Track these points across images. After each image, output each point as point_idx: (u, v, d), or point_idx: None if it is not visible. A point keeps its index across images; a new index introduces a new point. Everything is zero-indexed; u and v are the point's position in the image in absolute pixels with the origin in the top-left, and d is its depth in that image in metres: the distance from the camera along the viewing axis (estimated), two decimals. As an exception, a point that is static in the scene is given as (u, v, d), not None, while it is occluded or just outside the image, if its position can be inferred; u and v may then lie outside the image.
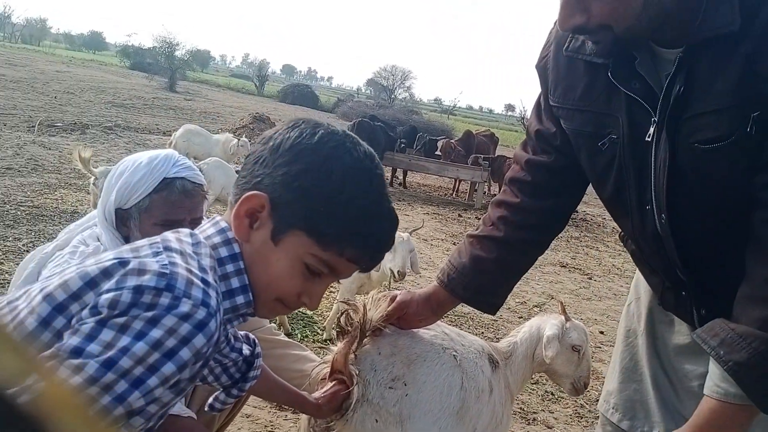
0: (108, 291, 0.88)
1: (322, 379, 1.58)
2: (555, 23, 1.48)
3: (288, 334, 3.91)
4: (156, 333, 0.86)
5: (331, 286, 5.02)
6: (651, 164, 1.26)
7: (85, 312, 0.88)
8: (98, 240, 1.76)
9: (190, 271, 0.93)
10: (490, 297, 1.65)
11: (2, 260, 4.28)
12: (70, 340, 0.85)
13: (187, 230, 1.08)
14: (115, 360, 0.83)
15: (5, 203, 5.67)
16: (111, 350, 0.83)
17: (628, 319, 1.72)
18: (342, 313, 1.59)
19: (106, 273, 0.91)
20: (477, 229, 1.66)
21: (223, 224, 1.08)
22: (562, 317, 2.05)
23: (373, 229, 1.08)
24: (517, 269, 1.67)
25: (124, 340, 0.84)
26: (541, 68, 1.50)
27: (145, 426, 0.96)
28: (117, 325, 0.85)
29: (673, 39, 1.21)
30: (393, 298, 1.62)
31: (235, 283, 1.05)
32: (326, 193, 1.03)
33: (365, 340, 1.57)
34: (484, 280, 1.61)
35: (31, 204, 5.83)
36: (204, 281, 0.94)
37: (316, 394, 1.53)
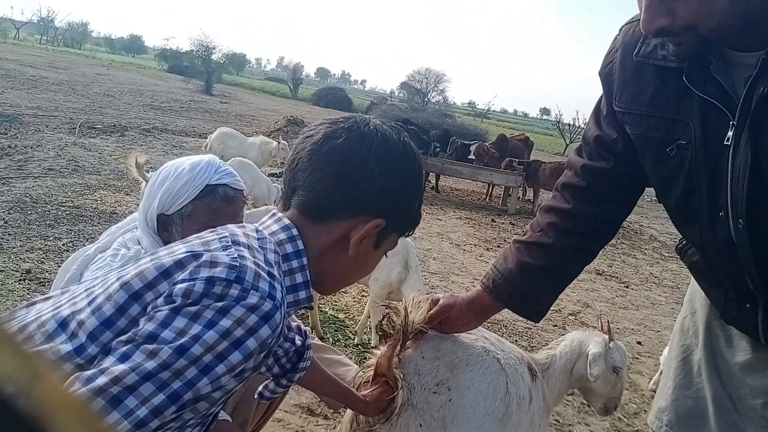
0: (182, 281, 0.94)
1: (365, 382, 1.58)
2: (620, 29, 1.45)
3: (320, 338, 3.91)
4: (225, 322, 0.91)
5: (363, 292, 5.01)
6: (728, 169, 1.22)
7: (160, 300, 0.93)
8: (139, 243, 1.77)
9: (258, 265, 0.99)
10: (535, 304, 1.62)
11: (43, 259, 4.37)
12: (146, 326, 0.90)
13: (252, 225, 1.14)
14: (187, 347, 0.88)
15: (47, 203, 5.80)
16: (183, 337, 0.89)
17: (683, 334, 1.66)
18: (384, 317, 1.59)
19: (179, 264, 0.97)
20: (524, 235, 1.64)
21: (286, 221, 1.14)
22: (606, 335, 2.01)
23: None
24: (564, 277, 1.63)
25: (196, 328, 0.90)
26: (606, 74, 1.47)
27: (207, 410, 1.01)
28: (189, 314, 0.91)
29: (755, 40, 1.16)
30: (435, 301, 1.60)
31: (299, 278, 1.12)
32: (418, 201, 1.22)
33: (408, 343, 1.56)
34: (531, 286, 1.58)
35: (71, 204, 5.95)
36: (270, 274, 0.99)
37: (364, 392, 1.54)
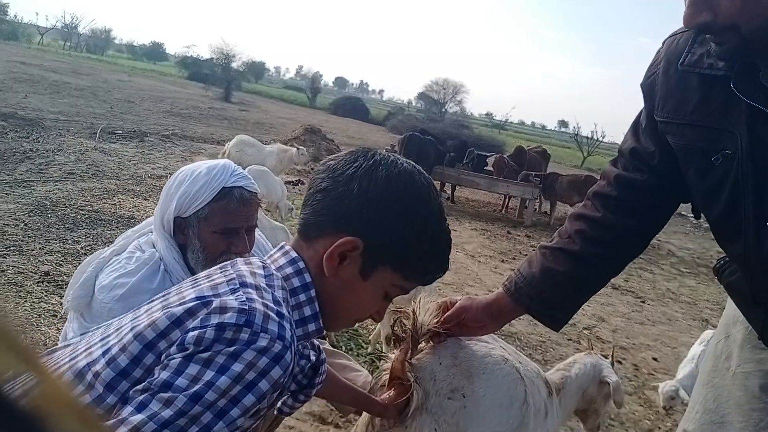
0: (194, 329, 0.96)
1: (381, 386, 1.58)
2: (664, 42, 1.45)
3: (332, 346, 3.90)
4: (237, 367, 0.93)
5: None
6: None
7: (173, 348, 0.96)
8: (154, 247, 1.80)
9: (266, 306, 1.00)
10: (556, 311, 1.60)
11: (61, 262, 4.42)
12: (161, 375, 0.93)
13: (259, 262, 1.15)
14: (201, 394, 0.90)
15: (66, 206, 5.88)
16: (197, 384, 0.91)
17: (715, 359, 1.63)
18: (394, 321, 1.59)
19: (190, 312, 0.99)
20: (551, 241, 1.62)
21: (293, 254, 1.15)
22: (609, 360, 2.13)
23: (445, 252, 1.22)
24: (588, 286, 1.61)
25: (209, 374, 0.92)
26: (648, 86, 1.47)
27: None
28: (202, 360, 0.93)
29: None
30: (452, 303, 1.60)
31: (307, 311, 1.13)
32: (413, 234, 1.14)
33: (426, 348, 1.57)
34: (553, 293, 1.56)
35: (90, 208, 6.02)
36: (279, 314, 1.01)
37: (381, 395, 1.55)
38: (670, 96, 1.39)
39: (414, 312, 1.52)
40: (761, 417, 1.46)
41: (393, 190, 1.12)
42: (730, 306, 1.61)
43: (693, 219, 16.32)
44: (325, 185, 1.13)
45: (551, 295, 1.57)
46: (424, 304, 1.55)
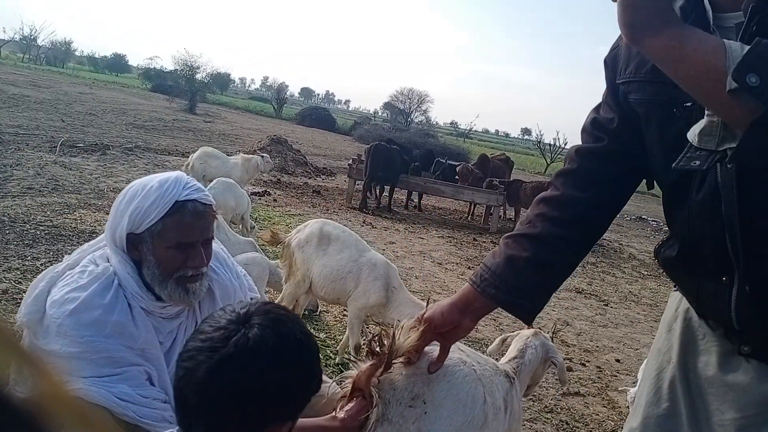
0: None
1: (342, 397, 1.57)
2: None
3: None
4: None
5: (344, 312, 5.01)
6: None
7: None
8: (108, 261, 1.76)
9: None
10: (523, 300, 1.56)
11: (20, 279, 4.33)
12: None
13: None
14: None
15: (25, 222, 5.75)
16: None
17: (658, 354, 1.65)
18: (374, 336, 1.58)
19: None
20: (514, 230, 1.63)
21: None
22: (548, 335, 2.31)
23: None
24: (552, 270, 1.59)
25: None
26: (611, 58, 1.53)
27: None
28: None
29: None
30: (422, 320, 1.58)
31: None
32: (311, 385, 1.23)
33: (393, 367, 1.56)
34: (518, 279, 1.54)
35: (50, 224, 5.90)
36: None
37: (340, 414, 1.53)
38: (632, 58, 1.45)
39: (394, 335, 1.52)
40: (707, 405, 1.49)
41: (299, 371, 1.18)
42: (672, 303, 1.65)
43: (653, 222, 16.76)
44: (235, 407, 1.11)
45: (515, 282, 1.54)
46: (407, 328, 1.54)
